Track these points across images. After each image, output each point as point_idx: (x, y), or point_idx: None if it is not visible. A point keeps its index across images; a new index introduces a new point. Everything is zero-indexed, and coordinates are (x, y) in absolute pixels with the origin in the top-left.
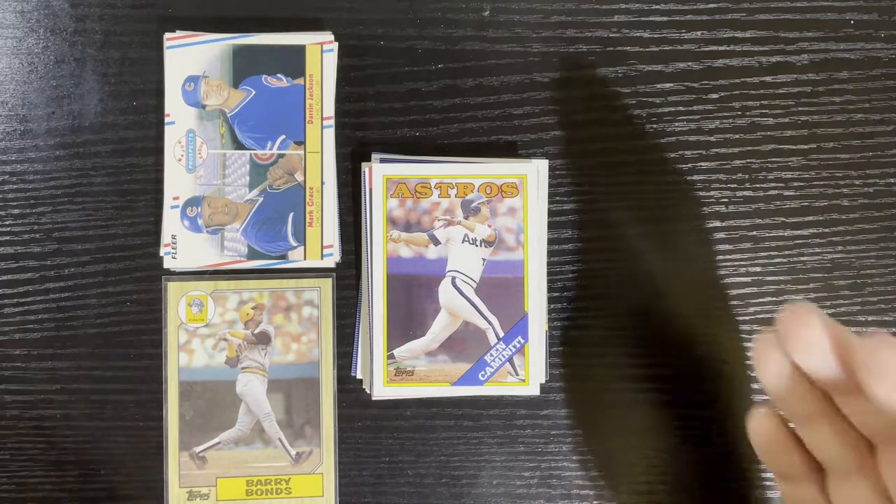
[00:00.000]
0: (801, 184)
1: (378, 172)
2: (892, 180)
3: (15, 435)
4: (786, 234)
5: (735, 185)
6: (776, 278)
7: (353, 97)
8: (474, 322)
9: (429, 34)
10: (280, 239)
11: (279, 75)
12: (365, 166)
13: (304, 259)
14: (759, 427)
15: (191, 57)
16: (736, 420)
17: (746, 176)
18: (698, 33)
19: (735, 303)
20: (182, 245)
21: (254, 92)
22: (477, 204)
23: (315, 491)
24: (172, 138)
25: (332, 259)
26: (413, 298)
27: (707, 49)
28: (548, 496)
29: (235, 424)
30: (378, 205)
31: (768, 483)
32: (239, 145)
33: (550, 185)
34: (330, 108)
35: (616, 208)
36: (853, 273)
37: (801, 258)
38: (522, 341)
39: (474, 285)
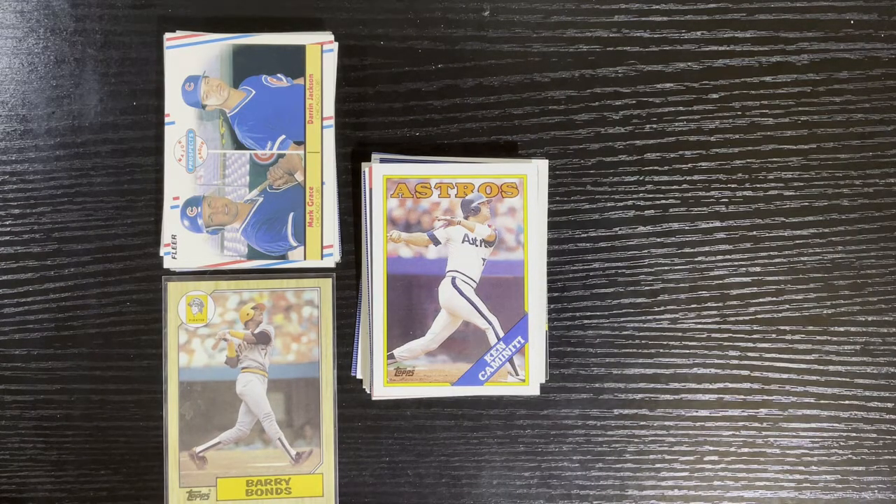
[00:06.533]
0: (801, 184)
1: (378, 172)
2: (892, 180)
3: (15, 435)
4: (786, 234)
5: (735, 185)
6: (776, 278)
7: (353, 97)
8: (474, 322)
9: (429, 34)
10: (280, 239)
11: (279, 75)
12: (365, 166)
13: (304, 259)
14: None
15: (191, 57)
16: (734, 420)
17: (746, 176)
18: (698, 33)
19: (735, 303)
20: (182, 245)
21: (254, 92)
22: (477, 204)
23: (315, 491)
24: (172, 138)
25: (332, 259)
26: (413, 298)
27: (707, 49)
28: (548, 496)
29: (235, 424)
30: (378, 205)
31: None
32: (239, 145)
33: (550, 185)
34: (330, 108)
35: (616, 208)
36: (853, 273)
37: (801, 258)
38: (522, 341)
39: (474, 285)
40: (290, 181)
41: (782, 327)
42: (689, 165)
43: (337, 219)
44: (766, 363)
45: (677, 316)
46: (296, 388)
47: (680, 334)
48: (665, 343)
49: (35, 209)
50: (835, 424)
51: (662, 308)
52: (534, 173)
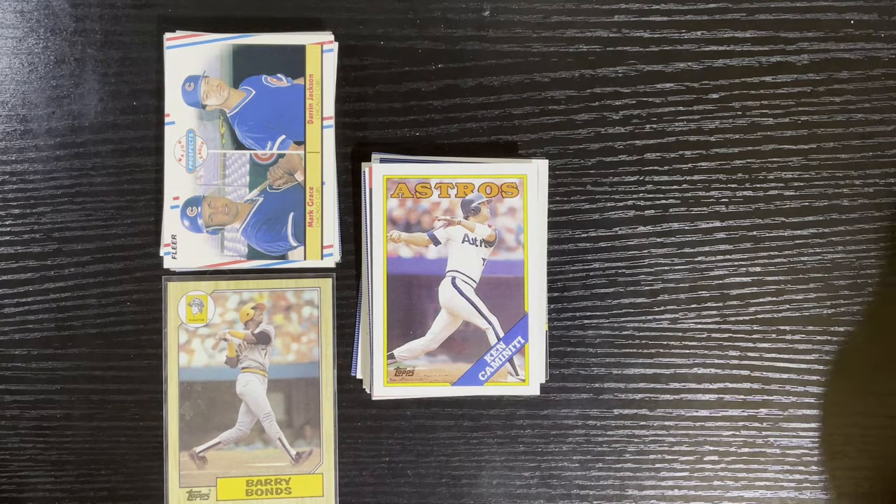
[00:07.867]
0: (801, 184)
1: (378, 172)
2: (892, 180)
3: (15, 435)
4: (786, 234)
5: (735, 185)
6: (776, 278)
7: (353, 97)
8: (474, 322)
9: (429, 34)
10: (280, 239)
11: (279, 75)
12: (365, 166)
13: (304, 259)
14: None
15: (191, 57)
16: (734, 420)
17: (746, 176)
18: (698, 33)
19: (735, 303)
20: (182, 245)
21: (254, 92)
22: (477, 204)
23: (315, 491)
24: (172, 138)
25: (332, 259)
26: (413, 298)
27: (707, 49)
28: (548, 496)
29: (235, 424)
30: (378, 205)
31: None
32: (239, 145)
33: (550, 185)
34: (330, 108)
35: (616, 208)
36: (853, 273)
37: (801, 258)
38: (522, 341)
39: (474, 285)
40: (290, 181)
41: (782, 327)
42: (689, 165)
43: (337, 219)
44: (766, 363)
45: (677, 316)
46: (296, 388)
47: (680, 334)
48: (665, 343)
49: (35, 209)
50: None
51: (662, 308)
52: (534, 173)
